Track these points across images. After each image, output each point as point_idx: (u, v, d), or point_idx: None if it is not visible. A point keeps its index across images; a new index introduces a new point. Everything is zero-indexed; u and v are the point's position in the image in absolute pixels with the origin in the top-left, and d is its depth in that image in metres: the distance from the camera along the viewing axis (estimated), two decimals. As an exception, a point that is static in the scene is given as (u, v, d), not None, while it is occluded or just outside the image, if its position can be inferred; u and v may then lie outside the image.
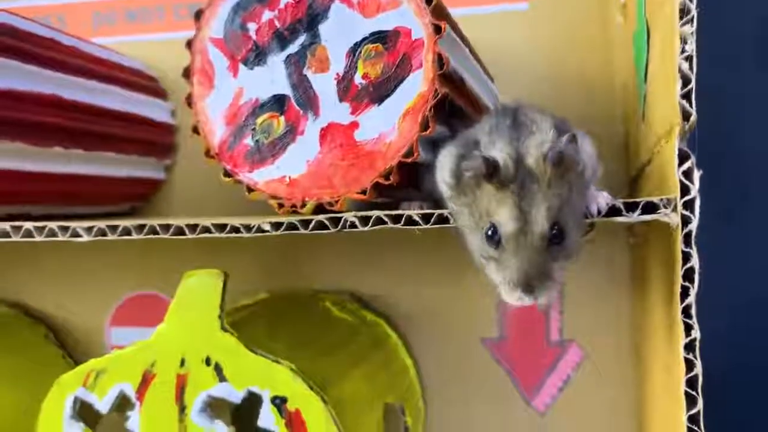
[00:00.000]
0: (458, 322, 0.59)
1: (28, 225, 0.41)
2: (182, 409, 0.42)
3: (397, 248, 0.60)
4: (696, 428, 0.33)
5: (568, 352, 0.57)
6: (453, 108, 0.40)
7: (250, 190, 0.41)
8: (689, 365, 0.33)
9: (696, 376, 0.33)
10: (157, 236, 0.39)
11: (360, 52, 0.39)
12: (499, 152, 0.34)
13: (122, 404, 0.44)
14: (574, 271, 0.55)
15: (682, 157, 0.33)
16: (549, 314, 0.57)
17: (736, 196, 0.62)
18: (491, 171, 0.33)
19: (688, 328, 0.33)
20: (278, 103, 0.40)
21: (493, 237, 0.34)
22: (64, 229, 0.41)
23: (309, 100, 0.40)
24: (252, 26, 0.40)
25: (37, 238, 0.41)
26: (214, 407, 0.43)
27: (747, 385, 0.60)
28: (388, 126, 0.38)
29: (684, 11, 0.33)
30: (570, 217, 0.34)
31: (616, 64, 0.56)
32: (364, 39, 0.39)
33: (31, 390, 0.59)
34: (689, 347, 0.33)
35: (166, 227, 0.39)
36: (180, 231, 0.39)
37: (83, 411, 0.45)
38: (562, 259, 0.34)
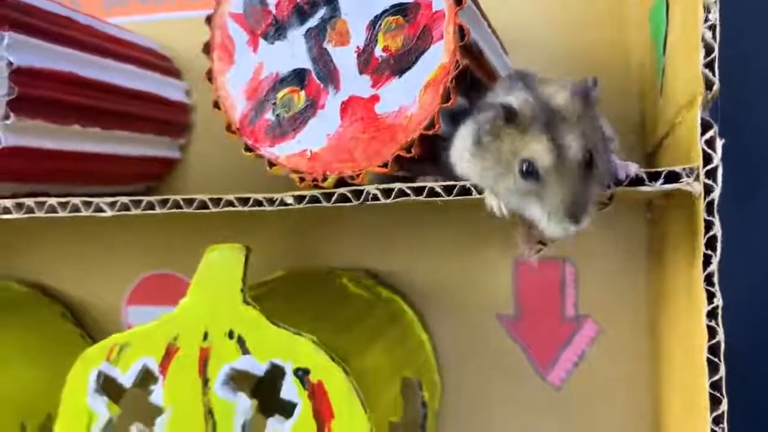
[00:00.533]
0: (474, 299, 0.59)
1: (52, 200, 0.42)
2: (205, 382, 0.43)
3: (412, 226, 0.60)
4: (718, 394, 0.33)
5: (583, 327, 0.57)
6: (473, 80, 0.40)
7: (271, 164, 0.41)
8: (711, 332, 0.33)
9: (718, 343, 0.33)
10: (180, 210, 0.40)
11: (380, 25, 0.39)
12: (515, 99, 0.35)
13: (146, 378, 0.44)
14: (590, 247, 0.56)
15: (705, 126, 0.34)
16: (564, 290, 0.57)
17: (759, 169, 0.61)
18: (509, 116, 0.34)
19: (710, 296, 0.33)
20: (298, 77, 0.40)
21: (531, 172, 0.34)
22: (87, 204, 0.41)
23: (329, 74, 0.40)
24: (272, 1, 0.40)
25: (61, 213, 0.42)
26: (237, 380, 0.43)
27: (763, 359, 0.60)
28: (409, 98, 0.38)
29: (707, -20, 0.33)
30: (597, 148, 0.35)
31: (632, 41, 0.56)
32: (384, 11, 0.39)
33: (49, 368, 0.60)
34: (712, 314, 0.33)
35: (189, 201, 0.39)
36: (203, 205, 0.39)
37: (107, 385, 0.45)
38: (597, 185, 0.35)
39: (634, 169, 0.36)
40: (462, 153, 0.38)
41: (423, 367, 0.57)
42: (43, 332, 0.64)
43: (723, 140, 0.33)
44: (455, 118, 0.40)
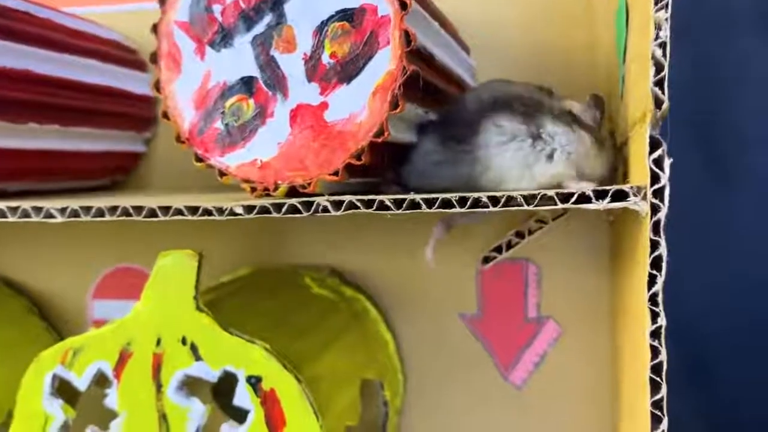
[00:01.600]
0: (437, 298, 0.59)
1: (1, 205, 0.41)
2: (159, 387, 0.43)
3: (376, 224, 0.60)
4: (659, 413, 0.33)
5: (545, 328, 0.57)
6: (427, 85, 0.39)
7: (222, 174, 0.40)
8: (654, 352, 0.33)
9: (660, 363, 0.33)
10: (129, 218, 0.39)
11: (326, 31, 0.38)
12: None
13: (100, 382, 0.44)
14: (553, 248, 0.56)
15: (653, 145, 0.33)
16: (527, 290, 0.57)
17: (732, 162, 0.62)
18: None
19: (654, 316, 0.33)
20: (246, 85, 0.39)
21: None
22: (38, 209, 0.41)
23: (277, 82, 0.39)
24: (217, 8, 0.39)
25: (11, 219, 0.41)
26: (192, 385, 0.43)
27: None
28: (357, 106, 0.38)
29: (658, -4, 0.32)
30: None
31: (600, 40, 0.55)
32: (330, 17, 0.38)
33: (15, 363, 0.59)
34: (655, 334, 0.33)
35: (138, 209, 0.39)
36: (153, 213, 0.39)
37: (62, 388, 0.45)
38: None
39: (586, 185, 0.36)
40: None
41: (386, 367, 0.57)
42: (8, 326, 0.63)
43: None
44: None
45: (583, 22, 0.56)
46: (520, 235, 0.44)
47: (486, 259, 0.46)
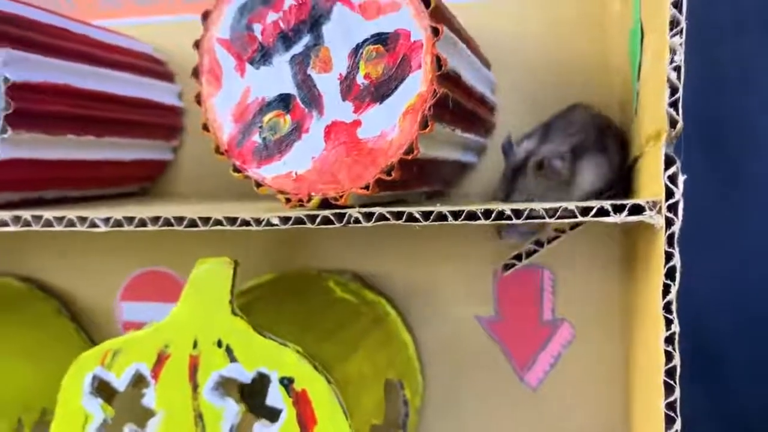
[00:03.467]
0: (455, 301, 0.61)
1: (48, 215, 0.43)
2: (195, 387, 0.45)
3: (397, 231, 0.62)
4: (673, 414, 0.35)
5: (559, 330, 0.59)
6: (455, 105, 0.42)
7: (258, 185, 0.43)
8: (668, 357, 0.35)
9: (674, 367, 0.35)
10: (171, 228, 0.42)
11: (362, 53, 0.40)
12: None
13: (138, 382, 0.47)
14: (568, 255, 0.58)
15: (668, 162, 0.35)
16: (543, 294, 0.60)
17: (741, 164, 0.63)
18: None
19: (668, 323, 0.35)
20: (284, 102, 0.42)
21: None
22: (83, 219, 0.43)
23: (313, 99, 0.41)
24: (257, 27, 0.42)
25: (57, 228, 0.43)
26: (225, 385, 0.46)
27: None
28: (389, 124, 0.40)
29: (674, 23, 0.35)
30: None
31: (614, 52, 0.58)
32: (365, 40, 0.40)
33: (46, 363, 0.62)
34: (669, 340, 0.35)
35: (180, 220, 0.41)
36: (193, 223, 0.41)
37: (101, 388, 0.47)
38: None
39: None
40: None
41: (405, 368, 0.59)
42: (40, 328, 0.66)
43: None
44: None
45: (597, 34, 0.58)
46: (539, 243, 0.46)
47: (506, 266, 0.48)
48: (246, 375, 0.44)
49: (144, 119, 0.60)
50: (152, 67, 0.63)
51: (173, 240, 0.67)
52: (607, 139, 0.50)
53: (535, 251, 0.46)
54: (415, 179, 0.43)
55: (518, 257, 0.47)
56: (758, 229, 0.63)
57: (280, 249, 0.64)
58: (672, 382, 0.35)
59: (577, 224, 0.44)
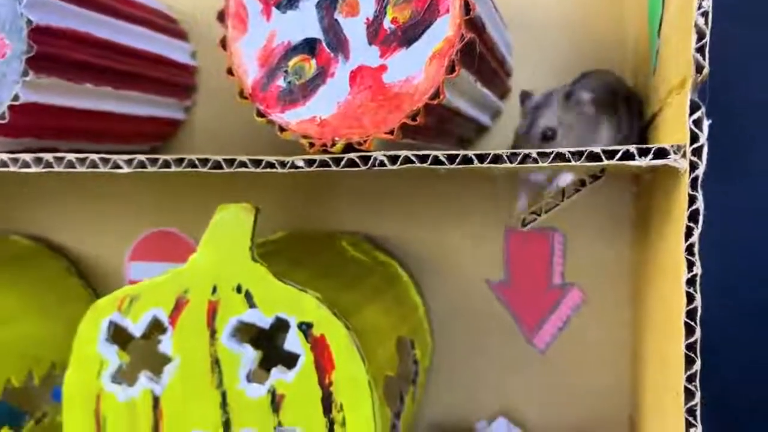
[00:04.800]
0: (465, 265, 0.62)
1: (70, 156, 0.44)
2: (213, 333, 0.45)
3: (407, 193, 0.63)
4: (693, 355, 0.36)
5: (569, 294, 0.60)
6: (479, 54, 0.42)
7: (282, 129, 0.43)
8: (690, 298, 0.36)
9: (695, 308, 0.36)
10: (194, 169, 0.42)
11: (389, -3, 0.40)
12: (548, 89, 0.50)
13: (155, 328, 0.47)
14: (578, 218, 0.59)
15: (693, 107, 0.36)
16: (553, 258, 0.60)
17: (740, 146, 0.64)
18: (523, 97, 0.50)
19: (690, 265, 0.36)
20: (309, 46, 0.42)
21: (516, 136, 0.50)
22: (105, 160, 0.43)
23: (339, 44, 0.41)
24: (284, -29, 0.42)
25: (79, 169, 0.43)
26: (240, 332, 0.46)
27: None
28: (415, 69, 0.40)
29: (702, -30, 0.35)
30: (566, 130, 0.47)
31: (629, 17, 0.58)
32: (393, -16, 0.40)
33: (55, 319, 0.62)
34: (691, 282, 0.36)
35: (204, 161, 0.41)
36: (217, 165, 0.41)
37: (117, 334, 0.47)
38: None
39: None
40: None
41: (416, 328, 0.59)
42: (48, 285, 0.66)
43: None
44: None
45: (613, 2, 0.58)
46: (558, 198, 0.46)
47: (525, 222, 0.49)
48: (265, 320, 0.44)
49: (159, 75, 0.60)
50: (166, 25, 0.63)
51: (182, 200, 0.67)
52: (618, 103, 0.51)
53: (555, 205, 0.46)
54: (436, 129, 0.44)
55: (538, 212, 0.47)
56: (750, 224, 0.64)
57: (291, 210, 0.65)
58: (693, 324, 0.36)
59: (597, 176, 0.45)
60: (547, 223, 0.59)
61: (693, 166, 0.36)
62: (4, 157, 0.45)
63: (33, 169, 0.44)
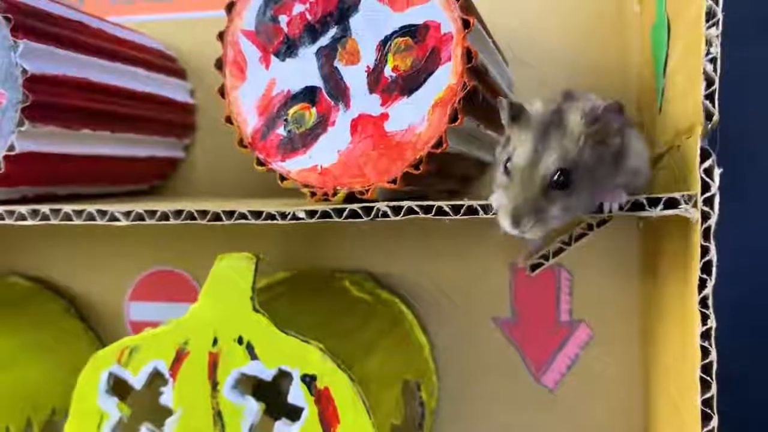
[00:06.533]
0: (471, 302, 0.61)
1: (67, 208, 0.43)
2: (214, 385, 0.44)
3: (410, 230, 0.62)
4: (710, 411, 0.35)
5: (576, 331, 0.59)
6: (482, 99, 0.41)
7: (282, 178, 0.42)
8: (705, 352, 0.35)
9: (711, 362, 0.35)
10: (194, 222, 0.41)
11: (390, 45, 0.40)
12: (537, 104, 0.38)
13: (156, 380, 0.46)
14: (584, 255, 0.58)
15: (704, 155, 0.35)
16: (559, 295, 0.59)
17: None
18: (516, 113, 0.37)
19: (704, 318, 0.35)
20: (310, 94, 0.41)
21: (507, 168, 0.37)
22: (102, 213, 0.42)
23: (340, 92, 0.41)
24: (283, 18, 0.41)
25: (76, 221, 0.43)
26: (242, 383, 0.45)
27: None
28: (417, 117, 0.39)
29: (710, 14, 0.34)
30: (586, 177, 0.36)
31: (632, 52, 0.57)
32: (393, 32, 0.40)
33: (55, 362, 0.61)
34: (705, 336, 0.35)
35: (203, 213, 0.41)
36: (217, 217, 0.41)
37: (118, 386, 0.46)
38: (560, 206, 0.36)
39: (617, 203, 0.37)
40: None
41: (422, 369, 0.58)
42: (48, 327, 0.65)
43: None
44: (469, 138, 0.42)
45: (616, 33, 0.57)
46: (565, 242, 0.45)
47: (533, 267, 0.48)
48: (267, 373, 0.43)
49: (157, 115, 0.59)
50: (164, 64, 0.62)
51: (183, 240, 0.66)
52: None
53: (561, 250, 0.46)
54: (440, 175, 0.43)
55: (545, 257, 0.46)
56: (756, 236, 0.63)
57: (292, 249, 0.64)
58: (708, 379, 0.35)
59: (605, 221, 0.44)
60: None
61: (705, 216, 0.35)
62: (0, 209, 0.44)
63: (29, 222, 0.43)
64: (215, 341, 0.44)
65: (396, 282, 0.62)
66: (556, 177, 0.35)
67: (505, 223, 0.36)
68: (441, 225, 0.61)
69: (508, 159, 0.36)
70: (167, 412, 0.45)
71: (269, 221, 0.40)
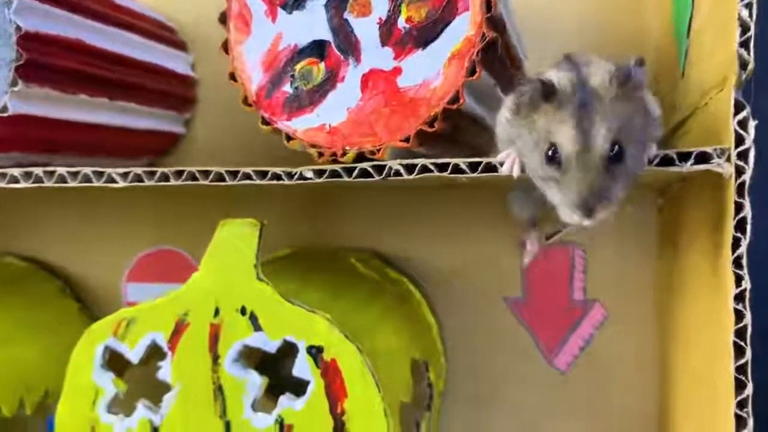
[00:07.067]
0: (481, 282, 0.59)
1: (62, 170, 0.41)
2: (215, 358, 0.42)
3: (419, 208, 0.60)
4: (744, 378, 0.33)
5: (591, 311, 0.57)
6: (497, 55, 0.39)
7: (288, 138, 0.40)
8: (739, 316, 0.33)
9: (745, 326, 0.33)
10: (195, 182, 0.39)
11: (403, -5, 0.38)
12: (557, 76, 0.35)
13: (153, 354, 0.44)
14: (599, 232, 0.56)
15: (738, 107, 0.33)
16: (573, 274, 0.57)
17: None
18: (547, 93, 0.34)
19: (738, 279, 0.33)
20: (318, 48, 0.39)
21: (554, 157, 0.34)
22: (99, 174, 0.40)
23: (350, 46, 0.39)
24: (290, -31, 0.39)
25: (71, 183, 0.41)
26: (245, 357, 0.43)
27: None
28: (432, 71, 0.37)
29: (744, -42, 0.32)
30: (631, 139, 0.34)
31: (649, 25, 0.55)
32: (408, -19, 0.38)
33: (48, 343, 0.59)
34: (739, 298, 0.33)
35: (205, 173, 0.39)
36: (220, 177, 0.38)
37: (113, 360, 0.44)
38: (622, 179, 0.34)
39: (653, 150, 0.35)
40: (500, 117, 0.37)
41: (430, 350, 0.56)
42: (42, 308, 0.63)
43: (756, 121, 0.33)
44: (481, 97, 0.40)
45: (632, 5, 0.56)
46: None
47: (548, 236, 0.46)
48: (271, 344, 0.41)
49: (157, 86, 0.57)
50: (165, 35, 0.60)
51: (182, 217, 0.64)
52: None
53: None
54: (452, 139, 0.41)
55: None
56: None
57: (296, 227, 0.62)
58: (743, 344, 0.32)
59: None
60: (566, 238, 0.56)
61: (739, 171, 0.33)
62: (-9, 171, 0.42)
63: (22, 185, 0.41)
64: (217, 312, 0.42)
65: (403, 261, 0.60)
66: (612, 152, 0.33)
67: (576, 217, 0.34)
68: (449, 203, 0.60)
69: (551, 147, 0.34)
70: (165, 387, 0.43)
71: (275, 181, 0.38)
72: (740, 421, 0.33)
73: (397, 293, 0.56)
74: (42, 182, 0.41)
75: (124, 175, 0.40)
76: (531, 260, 0.47)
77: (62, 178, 0.41)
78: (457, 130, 0.41)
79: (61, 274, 0.66)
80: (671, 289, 0.50)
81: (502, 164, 0.36)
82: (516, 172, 0.36)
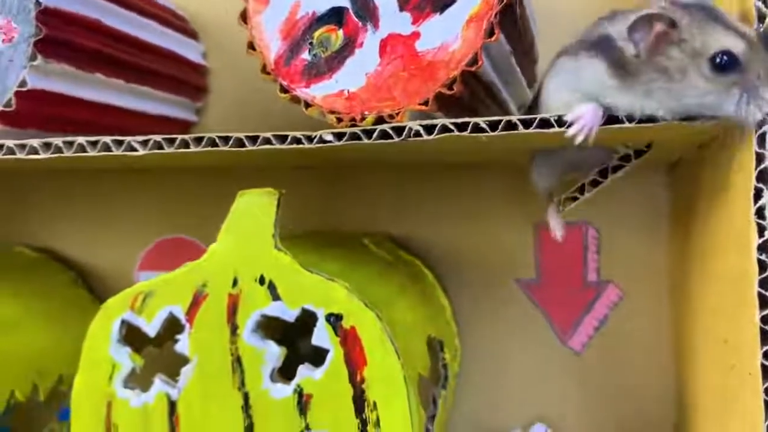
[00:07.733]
0: (493, 264, 0.59)
1: (81, 139, 0.41)
2: (234, 329, 0.42)
3: (430, 190, 0.60)
4: (769, 328, 0.33)
5: (605, 292, 0.57)
6: (515, 18, 0.40)
7: (307, 105, 0.40)
8: (762, 266, 0.33)
9: (769, 276, 0.33)
10: (215, 149, 0.39)
11: (421, -42, 0.38)
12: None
13: (171, 327, 0.43)
14: (611, 212, 0.56)
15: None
16: (587, 255, 0.57)
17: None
18: (671, 23, 0.35)
19: (761, 229, 0.33)
20: (336, 15, 0.40)
21: (728, 62, 0.34)
22: (118, 143, 0.40)
23: (368, 11, 0.39)
24: (307, -64, 0.40)
25: (90, 153, 0.41)
26: (264, 328, 0.43)
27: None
28: (450, 35, 0.38)
29: None
30: None
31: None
32: (425, -56, 0.38)
33: (62, 330, 0.59)
34: (762, 248, 0.33)
35: (225, 139, 0.39)
36: (240, 143, 0.39)
37: (130, 335, 0.44)
38: None
39: None
40: (553, 85, 0.38)
41: (444, 330, 0.56)
42: (55, 297, 0.62)
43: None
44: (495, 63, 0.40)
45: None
46: (602, 173, 0.43)
47: (566, 201, 0.46)
48: (290, 313, 0.41)
49: (171, 72, 0.58)
50: (177, 22, 0.61)
51: (194, 205, 0.64)
52: None
53: (597, 183, 0.43)
54: (468, 107, 0.41)
55: (581, 189, 0.44)
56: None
57: (308, 211, 0.62)
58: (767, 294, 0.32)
59: (642, 152, 0.42)
60: (579, 217, 0.56)
61: (760, 123, 0.33)
62: (11, 143, 0.42)
63: (42, 155, 0.41)
64: (235, 282, 0.42)
65: (415, 244, 0.60)
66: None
67: None
68: (460, 184, 0.60)
69: (719, 55, 0.34)
70: (183, 361, 0.43)
71: (295, 145, 0.38)
72: (767, 373, 0.32)
73: (410, 273, 0.56)
74: (62, 152, 0.41)
75: (144, 143, 0.40)
76: (562, 233, 0.47)
77: (81, 148, 0.41)
78: (475, 98, 0.42)
79: (73, 264, 0.66)
80: (684, 266, 0.50)
81: (522, 121, 0.36)
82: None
